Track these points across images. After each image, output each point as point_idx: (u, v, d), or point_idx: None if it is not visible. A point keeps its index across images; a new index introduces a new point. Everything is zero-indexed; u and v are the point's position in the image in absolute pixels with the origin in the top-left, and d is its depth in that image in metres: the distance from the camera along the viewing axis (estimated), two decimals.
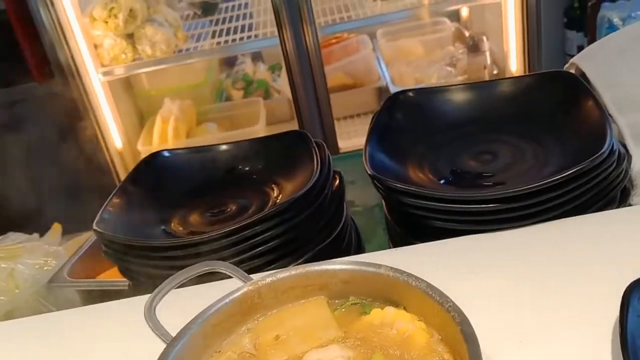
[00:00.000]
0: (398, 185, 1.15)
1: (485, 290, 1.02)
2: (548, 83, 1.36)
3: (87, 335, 1.15)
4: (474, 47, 3.32)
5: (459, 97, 1.38)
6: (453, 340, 0.82)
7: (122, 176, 3.38)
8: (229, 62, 3.91)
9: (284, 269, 0.96)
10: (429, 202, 1.12)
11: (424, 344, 0.84)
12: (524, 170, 1.22)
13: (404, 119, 1.35)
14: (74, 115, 3.09)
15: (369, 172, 1.21)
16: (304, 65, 3.04)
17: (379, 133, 1.30)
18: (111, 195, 1.36)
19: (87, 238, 1.96)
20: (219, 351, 0.91)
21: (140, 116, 3.64)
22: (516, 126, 1.32)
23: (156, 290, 0.94)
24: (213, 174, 1.49)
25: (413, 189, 1.13)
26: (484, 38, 3.32)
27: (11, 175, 2.81)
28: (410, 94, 1.40)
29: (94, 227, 1.26)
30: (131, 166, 3.40)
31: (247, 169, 1.49)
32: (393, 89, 3.44)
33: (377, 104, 3.79)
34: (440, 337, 0.85)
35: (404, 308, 0.89)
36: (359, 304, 0.93)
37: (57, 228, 2.18)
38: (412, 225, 1.22)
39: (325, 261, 0.96)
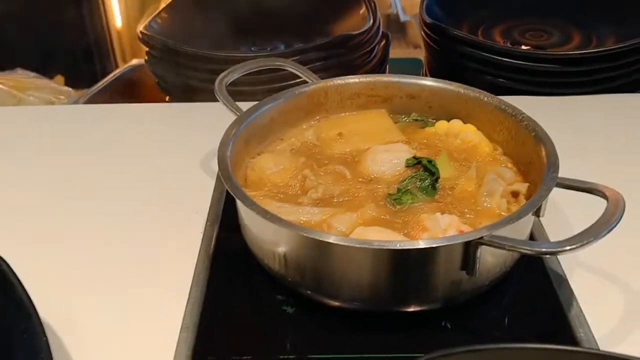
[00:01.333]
0: (456, 32, 1.16)
1: None
2: None
3: (126, 127, 1.15)
4: None
5: None
6: (518, 155, 0.86)
7: (118, 54, 3.31)
8: None
9: (352, 75, 0.97)
10: (485, 53, 1.13)
11: (488, 152, 0.88)
12: (581, 47, 1.24)
13: None
14: None
15: (425, 20, 1.22)
16: None
17: None
18: (159, 10, 1.34)
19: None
20: (282, 138, 0.92)
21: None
22: (575, 12, 1.33)
23: (227, 70, 0.95)
24: (260, 15, 1.48)
25: (472, 37, 1.15)
26: None
27: (18, 25, 2.73)
28: None
29: (142, 30, 1.25)
30: (128, 47, 3.29)
31: (300, 16, 1.47)
32: (403, 18, 3.41)
33: (385, 29, 3.76)
34: (503, 151, 0.88)
35: None
36: (421, 121, 0.96)
37: (60, 79, 2.14)
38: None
39: (395, 74, 0.97)
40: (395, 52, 2.32)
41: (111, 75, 1.86)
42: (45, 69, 2.11)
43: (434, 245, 0.65)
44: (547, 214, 0.84)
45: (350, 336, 0.71)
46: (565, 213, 0.88)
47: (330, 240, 0.65)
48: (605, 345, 0.68)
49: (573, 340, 0.68)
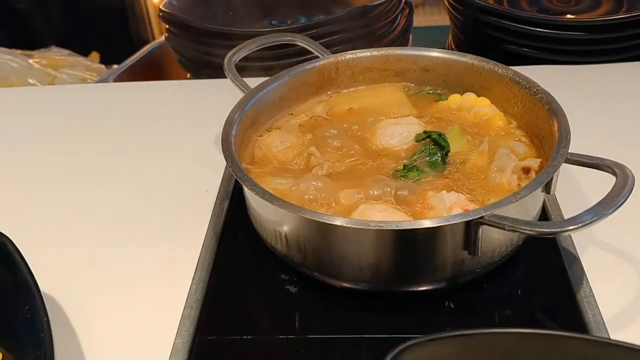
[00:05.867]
0: (479, 1, 1.12)
1: None
2: None
3: (145, 105, 1.16)
4: None
5: None
6: (532, 129, 0.82)
7: (155, 29, 3.32)
8: None
9: (364, 49, 0.95)
10: (507, 22, 1.09)
11: (502, 126, 0.85)
12: (612, 13, 1.18)
13: None
14: None
15: None
16: None
17: None
18: None
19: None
20: (292, 114, 0.91)
21: None
22: None
23: (237, 48, 0.94)
24: None
25: (493, 6, 1.11)
26: None
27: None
28: None
29: (161, 8, 1.24)
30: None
31: None
32: None
33: None
34: (517, 124, 0.85)
35: None
36: (434, 94, 0.93)
37: (95, 56, 2.15)
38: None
39: (407, 47, 0.95)
40: (432, 20, 2.26)
41: (139, 52, 1.87)
42: (81, 46, 2.14)
43: (432, 226, 0.63)
44: (566, 190, 0.81)
45: (352, 316, 0.70)
46: (584, 189, 0.84)
47: (328, 221, 0.65)
48: (613, 327, 0.65)
49: (581, 322, 0.66)
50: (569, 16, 1.16)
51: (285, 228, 0.70)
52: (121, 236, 0.84)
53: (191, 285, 0.75)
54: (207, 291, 0.74)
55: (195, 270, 0.77)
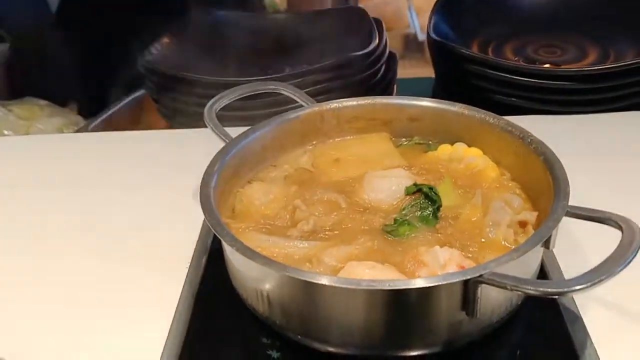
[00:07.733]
0: (463, 50, 1.10)
1: None
2: None
3: (123, 155, 1.11)
4: None
5: None
6: (527, 181, 0.79)
7: None
8: None
9: (350, 98, 0.92)
10: (495, 72, 1.07)
11: (495, 178, 0.81)
12: (599, 63, 1.17)
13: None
14: None
15: (433, 38, 1.16)
16: None
17: (447, 7, 1.25)
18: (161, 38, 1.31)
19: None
20: (275, 165, 0.87)
21: None
22: (591, 26, 1.26)
23: (218, 96, 0.90)
24: (266, 40, 1.44)
25: (480, 55, 1.09)
26: None
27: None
28: None
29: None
30: None
31: (302, 38, 1.43)
32: (421, 37, 3.36)
33: (403, 49, 3.71)
34: (511, 176, 0.82)
35: None
36: (424, 144, 0.90)
37: (73, 107, 2.11)
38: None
39: (395, 96, 0.92)
40: (413, 72, 2.26)
41: (119, 102, 1.83)
42: (60, 96, 2.09)
43: (428, 285, 0.58)
44: (563, 245, 0.77)
45: None
46: (582, 243, 0.80)
47: (314, 280, 0.60)
48: None
49: None
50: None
51: (268, 287, 0.64)
52: (90, 293, 0.78)
53: (163, 350, 0.69)
54: (181, 356, 0.68)
55: (169, 332, 0.71)
